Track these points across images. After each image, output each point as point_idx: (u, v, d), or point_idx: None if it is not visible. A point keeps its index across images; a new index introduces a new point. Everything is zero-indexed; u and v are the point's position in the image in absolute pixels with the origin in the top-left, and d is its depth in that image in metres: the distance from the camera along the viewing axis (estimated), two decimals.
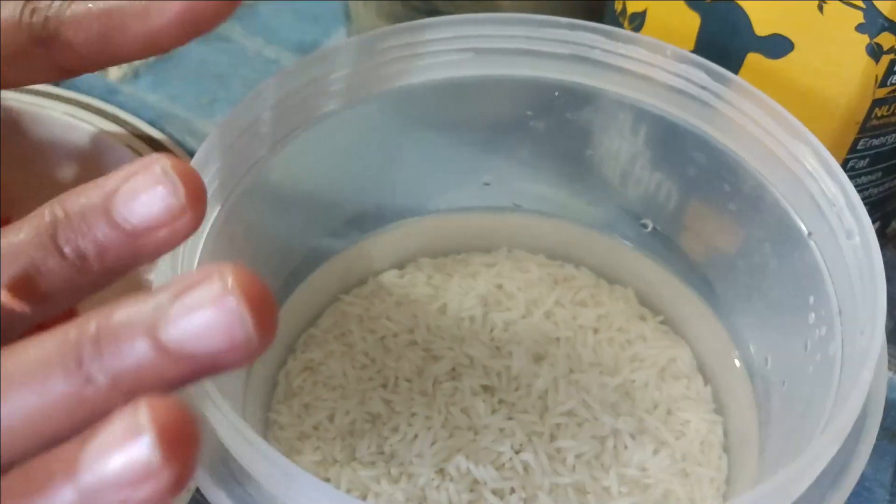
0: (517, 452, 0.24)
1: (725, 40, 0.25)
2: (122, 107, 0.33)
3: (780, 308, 0.23)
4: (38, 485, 0.14)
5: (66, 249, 0.16)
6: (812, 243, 0.21)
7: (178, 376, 0.14)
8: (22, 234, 0.16)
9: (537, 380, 0.25)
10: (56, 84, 0.36)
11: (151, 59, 0.40)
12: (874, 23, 0.22)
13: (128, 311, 0.14)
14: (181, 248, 0.19)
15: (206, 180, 0.20)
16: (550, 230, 0.28)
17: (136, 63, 0.40)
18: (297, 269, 0.26)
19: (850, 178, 0.21)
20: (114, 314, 0.14)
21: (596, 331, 0.27)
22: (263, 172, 0.23)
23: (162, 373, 0.14)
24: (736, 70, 0.25)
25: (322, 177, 0.26)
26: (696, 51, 0.25)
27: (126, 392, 0.14)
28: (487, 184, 0.28)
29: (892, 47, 0.22)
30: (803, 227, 0.21)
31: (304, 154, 0.24)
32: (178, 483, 0.13)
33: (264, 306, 0.14)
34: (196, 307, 0.14)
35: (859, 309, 0.18)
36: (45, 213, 0.16)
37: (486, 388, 0.25)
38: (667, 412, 0.25)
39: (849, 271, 0.19)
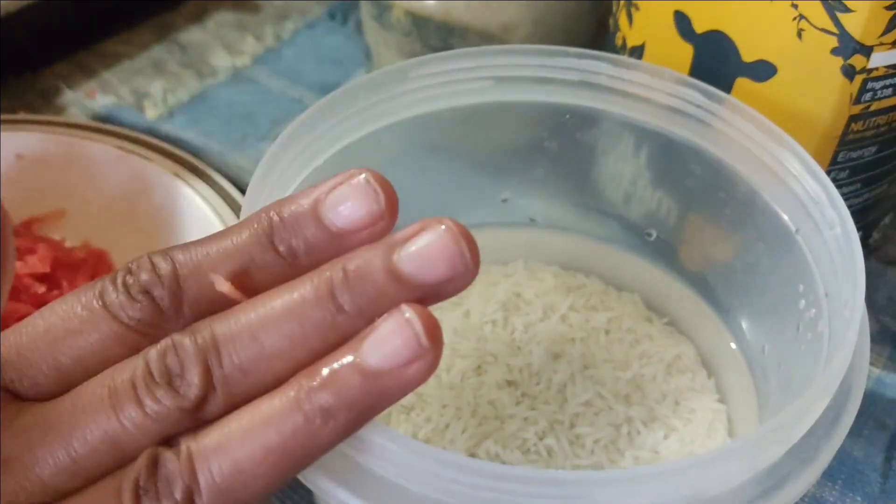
0: (541, 438, 0.26)
1: (716, 67, 0.28)
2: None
3: (774, 299, 0.25)
4: (328, 377, 0.17)
5: (281, 248, 0.18)
6: (799, 238, 0.23)
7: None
8: (244, 234, 0.18)
9: (556, 375, 0.28)
10: (103, 121, 0.39)
11: (185, 99, 0.43)
12: (847, 46, 0.25)
13: (369, 254, 0.18)
14: None
15: (263, 196, 0.23)
16: (563, 243, 0.31)
17: (171, 103, 0.43)
18: None
19: None
20: (356, 257, 0.18)
21: (607, 332, 0.29)
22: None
23: (397, 301, 0.17)
24: (727, 91, 0.28)
25: None
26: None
27: (368, 318, 0.17)
28: (505, 200, 0.31)
29: (864, 68, 0.25)
30: (791, 225, 0.24)
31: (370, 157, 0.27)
32: (434, 365, 0.17)
33: (473, 243, 0.18)
34: (425, 246, 0.17)
35: (842, 288, 0.21)
36: (263, 217, 0.18)
37: (509, 383, 0.28)
38: (675, 402, 0.28)
39: (832, 257, 0.22)
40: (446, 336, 0.29)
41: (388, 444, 0.18)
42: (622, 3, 0.32)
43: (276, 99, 0.43)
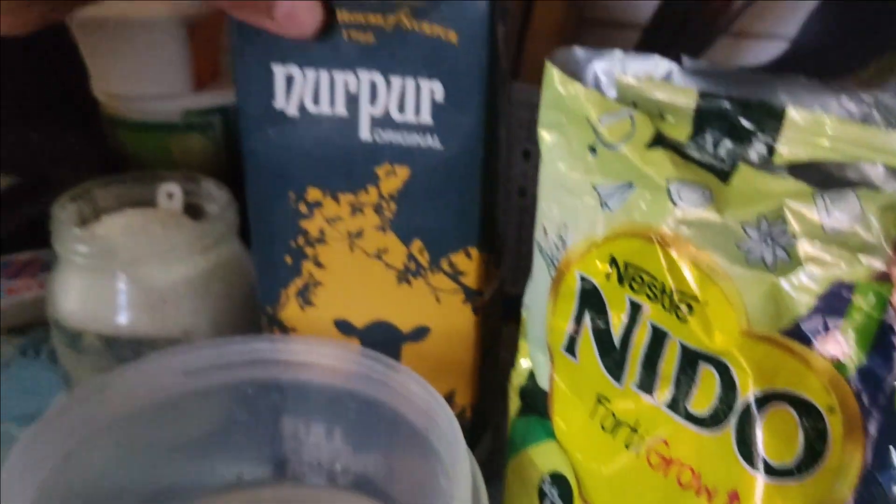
0: None
1: (384, 344, 0.37)
2: None
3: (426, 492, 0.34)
4: None
5: None
6: (431, 438, 0.32)
7: None
8: None
9: None
10: None
11: None
12: (470, 294, 0.36)
13: None
14: None
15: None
16: (270, 490, 0.38)
17: None
18: None
19: None
20: None
21: None
22: (61, 476, 0.30)
23: None
24: (397, 358, 0.37)
25: (105, 479, 0.33)
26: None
27: None
28: (213, 468, 0.37)
29: (483, 305, 0.37)
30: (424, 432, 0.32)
31: (90, 462, 0.31)
32: None
33: None
34: None
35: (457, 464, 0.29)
36: None
37: None
38: None
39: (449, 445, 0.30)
40: None
41: None
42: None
43: None
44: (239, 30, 0.33)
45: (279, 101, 0.34)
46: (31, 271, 0.58)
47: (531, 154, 0.51)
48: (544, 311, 0.30)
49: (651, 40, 0.50)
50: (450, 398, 0.39)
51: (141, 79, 0.53)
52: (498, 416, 0.43)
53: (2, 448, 0.45)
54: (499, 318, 0.41)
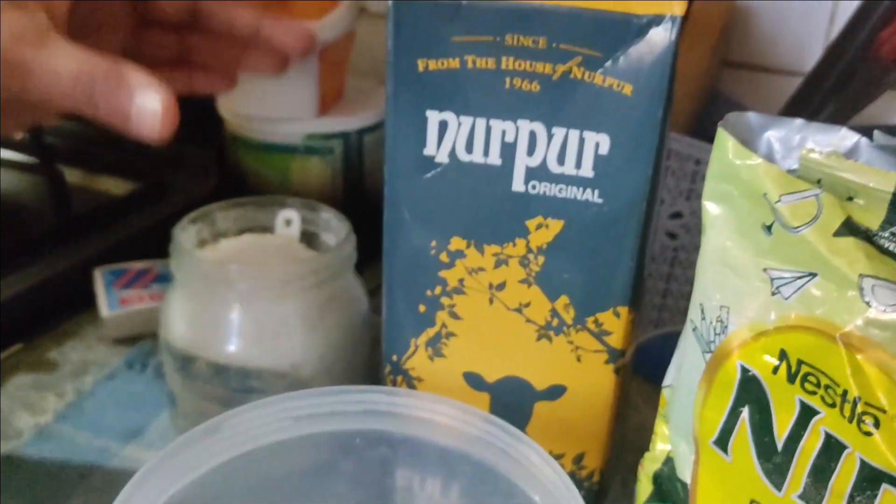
0: None
1: (515, 401, 0.36)
2: None
3: None
4: None
5: None
6: None
7: None
8: None
9: None
10: None
11: None
12: (613, 354, 0.34)
13: None
14: None
15: None
16: None
17: None
18: None
19: None
20: None
21: None
22: None
23: None
24: (528, 416, 0.36)
25: None
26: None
27: None
28: None
29: (623, 366, 0.35)
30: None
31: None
32: None
33: None
34: None
35: None
36: None
37: None
38: None
39: None
40: None
41: None
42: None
43: (82, 452, 0.46)
44: (396, 73, 0.32)
45: (429, 148, 0.32)
46: (144, 282, 0.58)
47: (664, 202, 0.48)
48: (693, 397, 0.27)
49: (812, 89, 0.46)
50: (579, 459, 0.37)
51: (268, 102, 0.52)
52: (624, 471, 0.41)
53: (102, 466, 0.45)
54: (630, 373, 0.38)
